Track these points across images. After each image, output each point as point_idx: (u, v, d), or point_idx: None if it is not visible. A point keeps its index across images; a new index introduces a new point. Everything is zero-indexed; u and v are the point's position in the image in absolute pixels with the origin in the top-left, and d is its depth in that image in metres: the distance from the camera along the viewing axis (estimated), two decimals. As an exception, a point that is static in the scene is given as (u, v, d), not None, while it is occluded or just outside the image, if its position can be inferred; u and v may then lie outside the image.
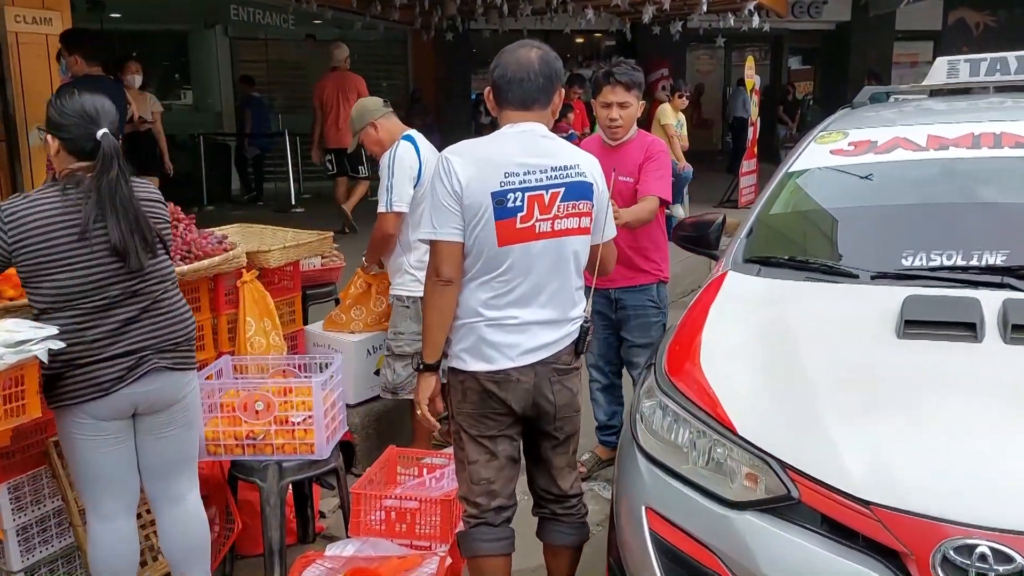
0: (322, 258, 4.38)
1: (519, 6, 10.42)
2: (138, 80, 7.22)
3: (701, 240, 3.25)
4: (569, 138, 8.19)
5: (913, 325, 2.27)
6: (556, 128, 9.60)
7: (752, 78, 10.88)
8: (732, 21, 11.19)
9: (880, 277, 2.65)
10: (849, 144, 3.25)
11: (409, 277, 3.72)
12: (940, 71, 3.83)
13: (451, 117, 13.01)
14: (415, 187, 3.65)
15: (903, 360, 2.19)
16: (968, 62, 3.76)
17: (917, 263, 2.66)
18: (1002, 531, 1.71)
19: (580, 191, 2.48)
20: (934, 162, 3.03)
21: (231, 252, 3.31)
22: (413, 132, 3.90)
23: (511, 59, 2.47)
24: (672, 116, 8.79)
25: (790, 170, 3.32)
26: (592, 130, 8.87)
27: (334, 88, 8.32)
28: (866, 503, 1.82)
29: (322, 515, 3.56)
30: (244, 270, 3.47)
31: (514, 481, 2.63)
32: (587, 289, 2.68)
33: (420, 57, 13.93)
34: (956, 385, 2.11)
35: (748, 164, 10.58)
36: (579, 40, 15.83)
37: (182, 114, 13.26)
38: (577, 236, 2.50)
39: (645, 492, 2.21)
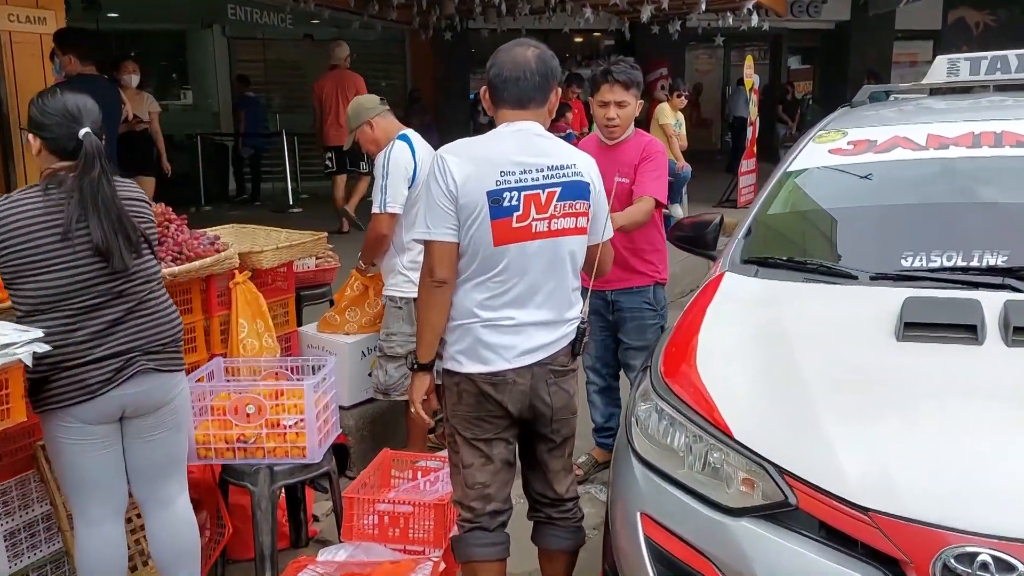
0: (316, 259, 4.35)
1: (517, 5, 10.39)
2: (135, 80, 7.20)
3: (698, 240, 3.22)
4: (567, 138, 8.16)
5: (913, 327, 2.23)
6: (554, 128, 9.59)
7: (751, 77, 10.85)
8: (731, 20, 11.16)
9: (879, 278, 2.61)
10: (848, 143, 3.22)
11: (402, 278, 3.69)
12: (940, 70, 3.79)
13: (449, 117, 12.97)
14: (410, 188, 3.62)
15: (903, 363, 2.16)
16: (968, 61, 3.72)
17: (917, 264, 2.63)
18: (1004, 539, 1.67)
19: (577, 191, 2.45)
20: (934, 161, 2.99)
21: (223, 253, 3.27)
22: (409, 131, 3.86)
23: (507, 58, 2.45)
24: (671, 116, 8.76)
25: (788, 170, 3.29)
26: (590, 130, 8.84)
27: (333, 86, 8.30)
28: (865, 510, 1.78)
29: (315, 519, 3.52)
30: (237, 271, 3.43)
31: (510, 485, 2.60)
32: (584, 290, 2.65)
33: (418, 57, 13.90)
34: (957, 389, 2.07)
35: (747, 164, 10.56)
36: (578, 39, 15.80)
37: (180, 114, 13.22)
38: (574, 236, 2.47)
39: (640, 497, 2.18)
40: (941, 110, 3.58)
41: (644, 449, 2.26)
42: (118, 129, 5.93)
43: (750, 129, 10.92)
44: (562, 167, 2.43)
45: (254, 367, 3.26)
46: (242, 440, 2.90)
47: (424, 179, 2.70)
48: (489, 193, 2.34)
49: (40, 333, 2.19)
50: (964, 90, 3.87)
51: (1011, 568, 1.65)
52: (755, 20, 10.54)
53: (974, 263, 2.58)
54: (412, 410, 2.62)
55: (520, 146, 2.41)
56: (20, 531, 2.77)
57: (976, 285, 2.47)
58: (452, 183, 2.35)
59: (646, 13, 9.64)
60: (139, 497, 2.59)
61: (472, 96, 13.74)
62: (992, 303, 2.30)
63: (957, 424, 1.94)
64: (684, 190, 9.06)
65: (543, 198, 2.40)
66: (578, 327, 2.54)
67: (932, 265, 2.61)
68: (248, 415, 2.87)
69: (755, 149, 10.89)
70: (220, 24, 12.52)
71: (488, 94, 2.49)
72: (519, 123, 2.45)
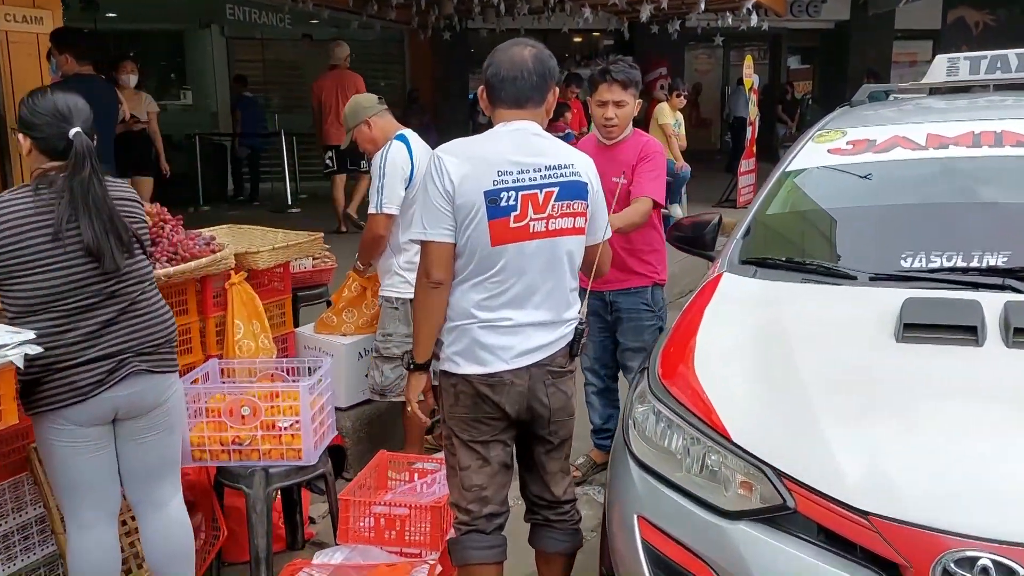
0: (313, 259, 4.33)
1: (516, 5, 10.37)
2: (133, 80, 7.18)
3: (697, 241, 3.20)
4: (566, 137, 8.14)
5: (912, 328, 2.21)
6: (553, 128, 9.60)
7: (750, 77, 10.83)
8: (730, 20, 11.14)
9: (879, 279, 2.60)
10: (847, 143, 3.20)
11: (398, 279, 3.67)
12: (940, 69, 3.77)
13: (448, 116, 12.96)
14: (407, 188, 3.60)
15: (902, 365, 2.14)
16: (968, 60, 3.71)
17: (916, 264, 2.61)
18: (1005, 543, 1.65)
19: (575, 191, 2.43)
20: (934, 161, 2.97)
21: (219, 254, 3.25)
22: (407, 131, 3.84)
23: (504, 57, 2.43)
24: (670, 115, 8.75)
25: (787, 169, 3.27)
26: (589, 129, 8.82)
27: (333, 86, 8.29)
28: (864, 513, 1.76)
29: (312, 521, 3.50)
30: (232, 272, 3.41)
31: (507, 487, 2.58)
32: (583, 291, 2.63)
33: (417, 56, 13.89)
34: (957, 391, 2.05)
35: (747, 164, 10.54)
36: (577, 39, 15.78)
37: (179, 114, 13.21)
38: (571, 236, 2.45)
39: (637, 500, 2.16)
40: (941, 109, 3.56)
41: (641, 451, 2.24)
42: (115, 129, 5.90)
43: (749, 129, 10.90)
44: (560, 167, 2.42)
45: (250, 368, 3.24)
46: (237, 442, 2.88)
47: (421, 179, 2.68)
48: (486, 193, 2.33)
49: (32, 335, 2.17)
50: (964, 89, 3.85)
51: (1012, 572, 1.63)
52: (754, 20, 10.53)
53: (974, 264, 2.56)
54: (408, 409, 2.61)
55: (517, 146, 2.39)
56: (13, 533, 2.75)
57: (976, 286, 2.45)
58: (449, 183, 2.33)
59: (645, 13, 9.63)
60: (132, 499, 2.57)
61: (471, 96, 13.71)
62: (992, 304, 2.28)
63: (957, 426, 1.92)
64: (683, 190, 9.04)
65: (541, 198, 2.38)
66: (576, 328, 2.53)
67: (932, 266, 2.59)
68: (243, 417, 2.86)
69: (755, 149, 10.88)
70: (219, 24, 12.51)
71: (485, 94, 2.48)
72: (516, 123, 2.43)
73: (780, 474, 1.90)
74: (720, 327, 2.52)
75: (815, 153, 3.26)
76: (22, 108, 2.33)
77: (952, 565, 1.66)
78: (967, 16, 16.36)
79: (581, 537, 2.71)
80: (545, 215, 2.39)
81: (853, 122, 3.42)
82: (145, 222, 2.47)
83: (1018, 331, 2.13)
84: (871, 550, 1.74)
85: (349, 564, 2.80)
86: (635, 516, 2.13)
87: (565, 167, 2.43)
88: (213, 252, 3.27)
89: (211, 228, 3.84)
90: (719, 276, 2.84)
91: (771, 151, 13.64)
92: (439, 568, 2.77)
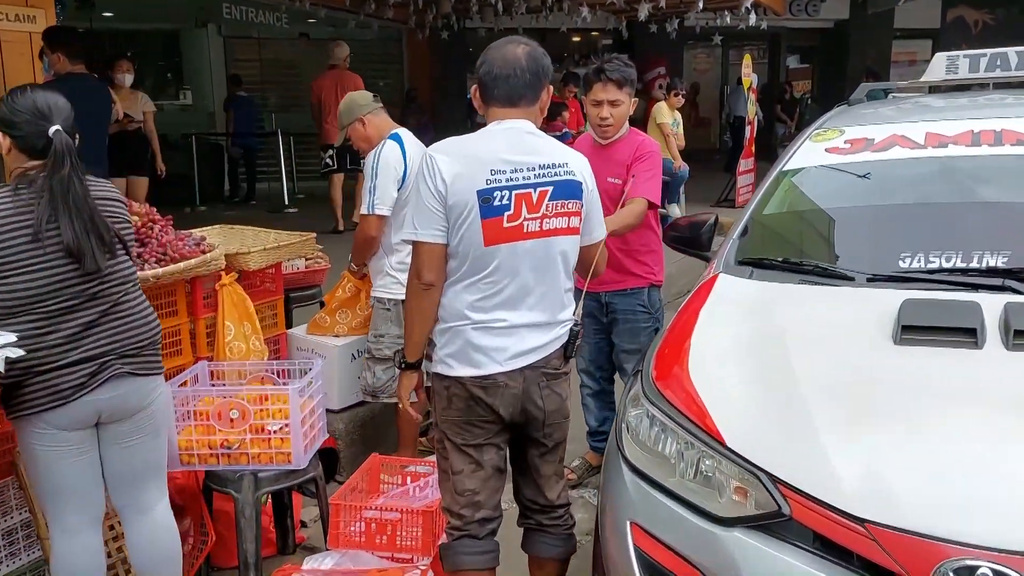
0: (306, 260, 4.29)
1: (514, 4, 10.35)
2: (129, 79, 7.14)
3: (693, 241, 3.16)
4: (563, 136, 8.11)
5: (911, 331, 2.17)
6: (550, 127, 9.58)
7: (749, 76, 10.78)
8: (728, 19, 11.11)
9: (877, 280, 2.56)
10: (845, 142, 3.16)
11: (390, 279, 3.63)
12: (939, 67, 3.73)
13: (446, 116, 12.92)
14: (400, 188, 3.56)
15: (900, 368, 2.10)
16: (967, 58, 3.66)
17: (915, 265, 2.57)
18: (1005, 552, 1.61)
19: (569, 190, 2.40)
20: (933, 160, 2.93)
21: (208, 254, 3.21)
22: (401, 130, 3.80)
23: (497, 55, 2.40)
24: (668, 115, 8.71)
25: (784, 169, 3.23)
26: (586, 129, 8.78)
27: (332, 85, 8.28)
28: (860, 520, 1.72)
29: (303, 524, 3.46)
30: (223, 273, 3.37)
31: (500, 492, 2.55)
32: (578, 291, 2.60)
33: (415, 56, 13.86)
34: (956, 394, 2.01)
35: (746, 163, 10.50)
36: (576, 39, 15.75)
37: (177, 114, 13.18)
38: (566, 236, 2.42)
39: (630, 506, 2.12)
40: (940, 108, 3.52)
41: (635, 456, 2.20)
42: (109, 128, 5.86)
43: (748, 128, 10.86)
44: (554, 166, 2.39)
45: (240, 371, 3.20)
46: (226, 446, 2.84)
47: (413, 179, 2.65)
48: (479, 192, 2.30)
49: (13, 337, 2.13)
50: (963, 88, 3.81)
51: (1012, 582, 1.59)
52: (753, 19, 10.50)
53: (973, 264, 2.52)
54: (400, 407, 2.60)
55: (511, 144, 2.36)
56: (-1, 539, 2.72)
57: (975, 287, 2.41)
58: (441, 183, 2.30)
59: (643, 12, 9.61)
60: (117, 504, 2.53)
61: (469, 95, 13.65)
62: (992, 305, 2.24)
63: (956, 432, 1.88)
64: (681, 190, 9.01)
65: (535, 197, 2.35)
66: (571, 329, 2.50)
67: (930, 266, 2.55)
68: (232, 420, 2.82)
69: (753, 148, 10.84)
70: (215, 23, 12.48)
71: (478, 92, 2.45)
72: (510, 121, 2.40)
73: (775, 480, 1.86)
74: (715, 329, 2.48)
75: (812, 152, 3.22)
76: (2, 107, 2.29)
77: (951, 574, 1.62)
78: (966, 15, 16.34)
79: (575, 542, 2.67)
80: (539, 215, 2.35)
81: (851, 121, 3.38)
82: (129, 222, 2.43)
83: (1018, 333, 2.09)
84: (868, 558, 1.70)
85: (339, 569, 2.76)
86: (628, 522, 2.08)
87: (559, 166, 2.39)
88: (203, 253, 3.23)
89: (203, 228, 3.81)
90: (715, 277, 2.80)
91: (770, 150, 13.60)
92: (431, 573, 2.73)
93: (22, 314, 2.21)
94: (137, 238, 3.08)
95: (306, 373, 3.09)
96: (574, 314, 2.53)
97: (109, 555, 2.89)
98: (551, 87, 2.52)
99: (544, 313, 2.42)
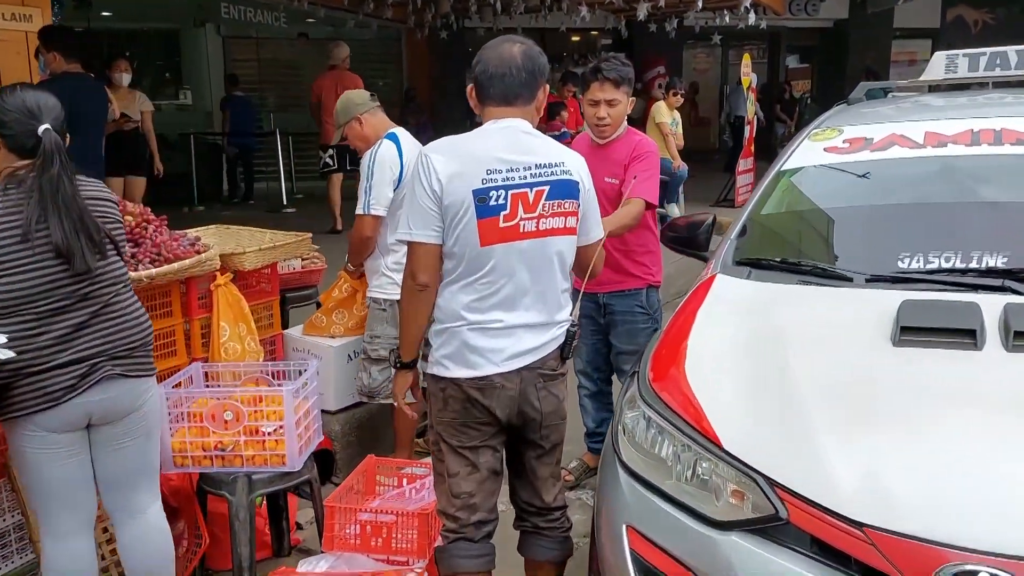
0: (302, 260, 4.26)
1: (513, 3, 10.33)
2: (126, 79, 7.13)
3: (690, 241, 3.14)
4: (562, 136, 8.10)
5: (909, 332, 2.15)
6: (549, 126, 9.55)
7: (748, 76, 10.76)
8: (728, 19, 11.09)
9: (875, 280, 2.53)
10: (844, 141, 3.14)
11: (386, 279, 3.60)
12: (938, 66, 3.70)
13: (445, 115, 12.88)
14: (395, 189, 3.53)
15: (899, 369, 2.08)
16: (967, 57, 3.64)
17: (914, 265, 2.54)
18: (1005, 556, 1.59)
19: (565, 190, 2.38)
20: (932, 160, 2.91)
21: (203, 255, 3.19)
22: (398, 130, 3.78)
23: (493, 54, 2.38)
24: (667, 114, 8.68)
25: (782, 168, 3.21)
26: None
27: (332, 85, 8.27)
28: (858, 524, 1.70)
29: (299, 527, 3.44)
30: (218, 273, 3.35)
31: (496, 495, 2.53)
32: (575, 292, 2.58)
33: (414, 56, 13.84)
34: (955, 396, 1.98)
35: (745, 163, 10.48)
36: (575, 38, 15.73)
37: (176, 113, 13.15)
38: (563, 236, 2.40)
39: (626, 509, 2.10)
40: (939, 107, 3.50)
41: (631, 458, 2.18)
42: (105, 128, 5.84)
43: (748, 128, 10.84)
44: (550, 165, 2.37)
45: (234, 372, 3.17)
46: (219, 447, 2.81)
47: (408, 179, 2.63)
48: (475, 192, 2.28)
49: (3, 339, 2.11)
50: (963, 87, 3.79)
51: (1012, 587, 1.57)
52: (752, 18, 10.49)
53: (973, 265, 2.50)
54: (396, 405, 2.60)
55: (507, 143, 2.34)
56: (-8, 541, 2.69)
57: (975, 288, 2.39)
58: (436, 182, 2.28)
59: (642, 11, 9.59)
60: (109, 507, 2.51)
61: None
62: (991, 306, 2.21)
63: (956, 434, 1.86)
64: (680, 189, 8.99)
65: (531, 197, 2.33)
66: (568, 330, 2.48)
67: (930, 267, 2.53)
68: (226, 422, 2.79)
69: (753, 148, 10.82)
70: (214, 23, 12.46)
71: (474, 91, 2.43)
72: (506, 120, 2.38)
73: (772, 483, 1.84)
74: (712, 330, 2.45)
75: (811, 152, 3.19)
76: None
77: (950, 579, 1.60)
78: (966, 15, 16.33)
79: (571, 545, 2.65)
80: (536, 214, 2.34)
81: (850, 120, 3.36)
82: (120, 222, 2.41)
83: (1018, 335, 2.07)
84: (866, 563, 1.68)
85: (334, 572, 2.74)
86: (624, 526, 2.06)
87: (556, 165, 2.37)
88: (198, 253, 3.21)
89: (199, 228, 3.78)
90: (712, 277, 2.78)
91: (770, 150, 13.58)
92: (426, 576, 2.71)
93: (12, 315, 2.19)
94: (131, 238, 3.06)
95: (301, 374, 3.06)
96: (571, 315, 2.50)
97: (103, 557, 2.87)
98: (547, 86, 2.50)
99: (541, 314, 2.40)
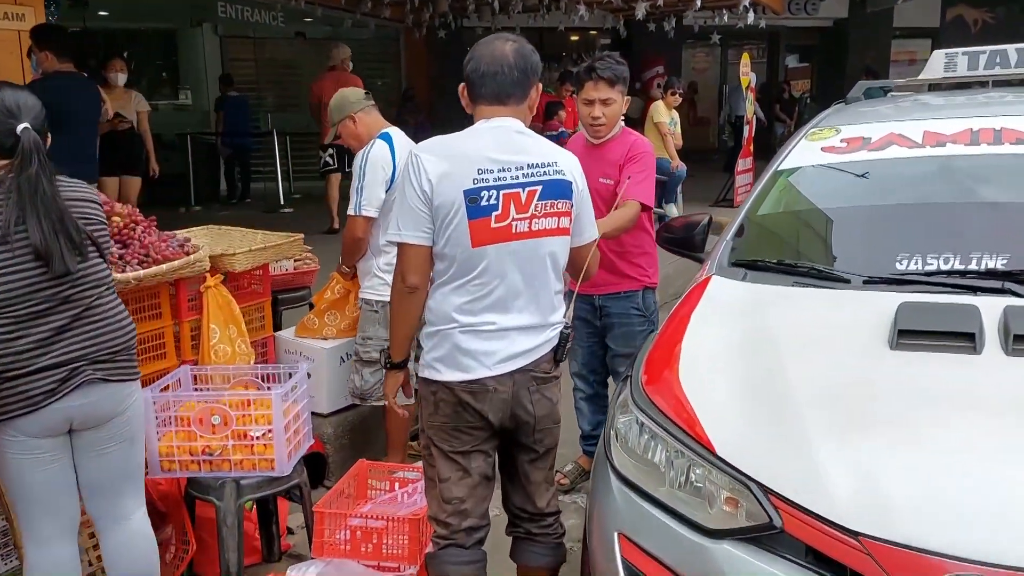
0: (295, 261, 4.22)
1: (511, 2, 10.30)
2: (122, 78, 7.09)
3: (686, 242, 3.09)
4: (560, 135, 8.07)
5: (907, 335, 2.11)
6: (547, 126, 9.50)
7: (747, 75, 10.72)
8: (727, 18, 11.06)
9: (873, 282, 2.49)
10: (841, 141, 3.10)
11: (378, 280, 3.56)
12: (937, 65, 3.66)
13: (444, 115, 12.82)
14: (388, 189, 3.49)
15: (896, 374, 2.04)
16: (966, 55, 3.59)
17: (912, 267, 2.50)
18: (1004, 567, 1.55)
19: (559, 190, 2.34)
20: (931, 160, 2.87)
21: (192, 256, 3.14)
22: (392, 129, 3.74)
23: (485, 52, 2.35)
24: (665, 114, 8.65)
25: (779, 168, 3.17)
26: (584, 128, 8.72)
27: (332, 86, 8.21)
28: (854, 534, 1.66)
29: (290, 531, 3.40)
30: (208, 274, 3.31)
31: (487, 500, 2.49)
32: (569, 293, 2.55)
33: (413, 55, 13.82)
34: (954, 402, 1.94)
35: (744, 163, 10.44)
36: (574, 38, 15.70)
37: (174, 114, 13.12)
38: (556, 237, 2.36)
39: (618, 516, 2.06)
40: (938, 106, 3.46)
41: (623, 464, 2.13)
42: (98, 127, 5.80)
43: (747, 128, 10.80)
44: (543, 165, 2.33)
45: (223, 375, 3.13)
46: (207, 452, 2.77)
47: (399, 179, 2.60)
48: (466, 192, 2.24)
49: (-18, 343, 2.07)
50: (963, 86, 3.75)
51: (1011, 598, 1.53)
52: (752, 18, 10.46)
53: (972, 266, 2.46)
54: (387, 404, 2.58)
55: (498, 143, 2.31)
56: (-25, 548, 2.65)
57: (974, 290, 2.35)
58: (427, 183, 2.25)
59: (640, 10, 9.57)
60: (93, 513, 2.46)
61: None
62: (991, 309, 2.17)
63: (954, 441, 1.81)
64: (679, 189, 8.96)
65: (523, 197, 2.29)
66: (561, 332, 2.44)
67: (928, 268, 2.49)
68: (213, 426, 2.75)
69: (752, 148, 10.78)
70: (211, 22, 12.43)
71: (466, 90, 2.40)
72: (497, 119, 2.35)
73: (766, 490, 1.80)
74: (707, 333, 2.41)
75: (808, 151, 3.15)
76: None
77: (948, 590, 1.56)
78: (966, 14, 16.30)
79: (564, 551, 2.62)
80: (528, 215, 2.30)
81: (848, 119, 3.31)
82: (104, 224, 2.36)
83: (1018, 338, 2.03)
84: (862, 573, 1.64)
85: (324, 579, 2.70)
86: (615, 533, 2.02)
87: (548, 165, 2.34)
88: (187, 254, 3.17)
89: (190, 229, 3.74)
90: (707, 279, 2.73)
91: (769, 150, 13.52)
92: (417, 583, 2.67)
93: None
94: (119, 239, 3.02)
95: (292, 377, 3.02)
96: (565, 316, 2.47)
97: (90, 563, 2.83)
98: (540, 85, 2.46)
99: (534, 316, 2.37)
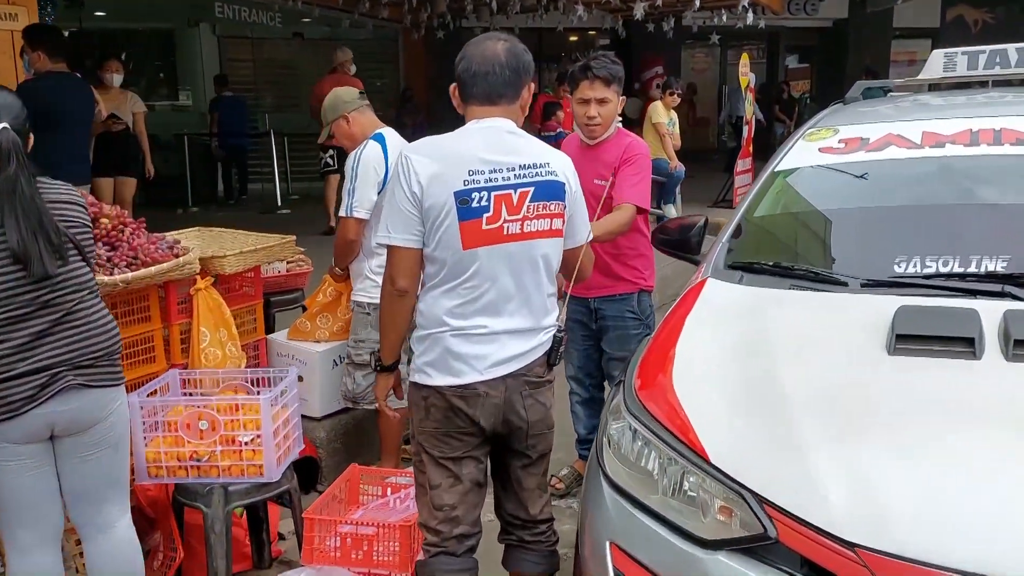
0: (288, 263, 4.18)
1: (509, 3, 10.26)
2: (118, 79, 7.04)
3: (681, 244, 3.05)
4: (558, 136, 8.03)
5: (905, 340, 2.06)
6: (545, 126, 9.45)
7: (747, 76, 10.69)
8: (726, 18, 11.02)
9: (871, 285, 2.44)
10: (839, 141, 3.05)
11: (370, 283, 3.52)
12: (936, 64, 3.62)
13: (442, 115, 12.78)
14: (380, 192, 3.45)
15: (894, 380, 1.99)
16: (966, 55, 3.55)
17: (911, 270, 2.46)
18: (1004, 580, 1.51)
19: (551, 191, 2.31)
20: (930, 160, 2.82)
21: (181, 258, 3.10)
22: (385, 130, 3.70)
23: (476, 51, 2.31)
24: (664, 114, 8.62)
25: (777, 169, 3.12)
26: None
27: (332, 88, 8.22)
28: (851, 545, 1.61)
29: (281, 537, 3.35)
30: (198, 277, 3.27)
31: (479, 507, 2.45)
32: (565, 295, 2.51)
33: (411, 56, 13.78)
34: (953, 409, 1.89)
35: (743, 163, 10.40)
36: (573, 38, 15.66)
37: (172, 114, 13.09)
38: (548, 239, 2.33)
39: (609, 525, 2.01)
40: (937, 106, 3.42)
41: (615, 472, 2.09)
42: (91, 128, 5.77)
43: (746, 128, 10.77)
44: (535, 166, 2.29)
45: (213, 379, 3.09)
46: (195, 458, 2.73)
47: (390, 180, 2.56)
48: (456, 193, 2.21)
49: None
50: (964, 86, 3.70)
51: (1011, 612, 1.49)
52: (751, 18, 10.42)
53: (972, 269, 2.41)
54: (377, 406, 2.56)
55: (489, 144, 2.27)
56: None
57: (974, 293, 2.31)
58: (417, 184, 2.21)
59: (639, 10, 9.53)
60: (76, 521, 2.42)
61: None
62: (991, 313, 2.13)
63: (953, 450, 1.77)
64: (678, 190, 8.92)
65: (515, 198, 2.26)
66: (554, 335, 2.40)
67: (927, 271, 2.44)
68: (201, 431, 2.71)
69: (751, 148, 10.74)
70: (209, 23, 12.40)
71: (457, 90, 2.36)
72: (489, 120, 2.31)
73: (760, 499, 1.75)
74: (702, 337, 2.37)
75: (806, 152, 3.11)
76: None
77: (946, 603, 1.52)
78: (966, 14, 16.27)
79: (558, 559, 2.58)
80: (520, 216, 2.26)
81: (846, 120, 3.27)
82: (87, 227, 2.32)
83: (1018, 343, 1.98)
84: (858, 585, 1.60)
85: (313, 586, 2.66)
86: (607, 543, 1.98)
87: (540, 166, 2.30)
88: (177, 257, 3.13)
89: (182, 231, 3.70)
90: (703, 282, 2.69)
91: (769, 150, 13.48)
92: (408, 590, 2.63)
93: None
94: (107, 241, 2.98)
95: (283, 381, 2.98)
96: (558, 320, 2.43)
97: (76, 571, 2.79)
98: (532, 85, 2.43)
99: (526, 319, 2.33)
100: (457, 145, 2.29)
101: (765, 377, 2.08)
